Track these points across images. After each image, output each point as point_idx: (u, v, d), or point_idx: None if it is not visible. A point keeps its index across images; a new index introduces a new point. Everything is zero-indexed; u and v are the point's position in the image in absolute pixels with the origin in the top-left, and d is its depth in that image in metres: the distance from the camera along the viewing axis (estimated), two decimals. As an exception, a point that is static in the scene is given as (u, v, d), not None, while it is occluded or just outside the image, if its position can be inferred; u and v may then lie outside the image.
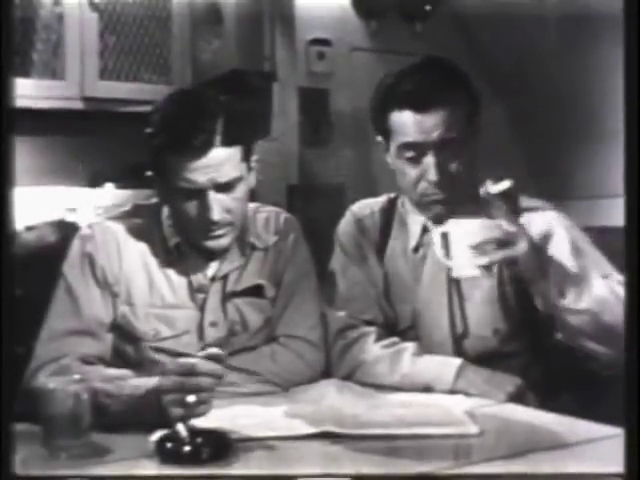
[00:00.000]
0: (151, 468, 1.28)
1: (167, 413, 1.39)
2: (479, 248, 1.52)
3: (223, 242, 1.72)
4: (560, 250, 1.68)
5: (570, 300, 1.58)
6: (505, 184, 1.59)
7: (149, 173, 1.72)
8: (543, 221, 1.74)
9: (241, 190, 1.70)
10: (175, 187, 1.66)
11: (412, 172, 1.74)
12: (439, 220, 1.71)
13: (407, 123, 1.71)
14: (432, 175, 1.71)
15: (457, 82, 1.76)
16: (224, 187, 1.67)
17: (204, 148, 1.63)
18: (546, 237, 1.71)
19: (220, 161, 1.65)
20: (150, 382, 1.45)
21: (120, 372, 1.57)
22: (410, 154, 1.73)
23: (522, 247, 1.54)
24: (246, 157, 1.71)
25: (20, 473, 1.25)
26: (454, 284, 1.79)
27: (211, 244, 1.72)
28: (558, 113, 3.45)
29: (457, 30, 3.71)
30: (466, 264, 1.54)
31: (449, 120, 1.70)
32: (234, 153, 1.67)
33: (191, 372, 1.39)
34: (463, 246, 1.53)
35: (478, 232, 1.53)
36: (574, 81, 3.33)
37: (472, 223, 1.55)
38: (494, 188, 1.58)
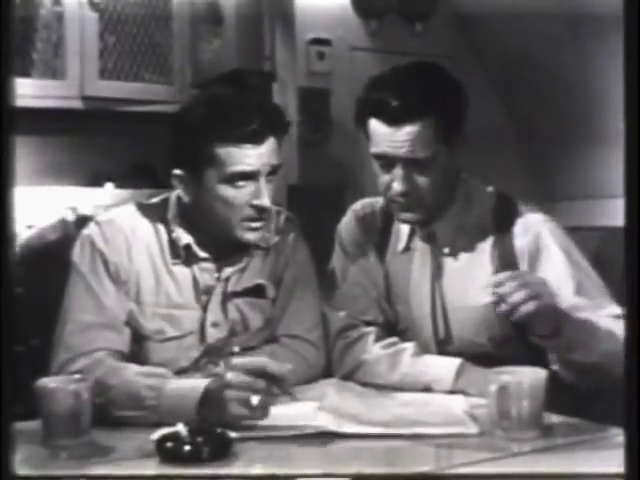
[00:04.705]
0: (151, 467, 1.28)
1: (227, 411, 1.40)
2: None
3: (257, 235, 1.72)
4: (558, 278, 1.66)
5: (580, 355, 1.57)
6: None
7: (177, 172, 1.69)
8: (535, 232, 1.74)
9: (275, 183, 1.71)
10: (226, 175, 1.64)
11: (384, 177, 1.74)
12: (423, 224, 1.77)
13: (380, 133, 1.70)
14: (397, 186, 1.71)
15: (439, 96, 1.70)
16: (271, 174, 1.69)
17: (262, 135, 1.65)
18: (539, 252, 1.72)
19: (272, 148, 1.67)
20: (199, 382, 1.47)
21: (154, 369, 1.58)
22: (381, 162, 1.73)
23: None
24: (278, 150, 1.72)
25: (20, 473, 1.25)
26: (437, 288, 1.80)
27: (247, 236, 1.70)
28: (558, 113, 3.45)
29: (457, 30, 3.71)
30: None
31: (421, 137, 1.67)
32: (275, 143, 1.69)
33: (262, 373, 1.41)
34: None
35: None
36: (574, 81, 3.33)
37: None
38: None
